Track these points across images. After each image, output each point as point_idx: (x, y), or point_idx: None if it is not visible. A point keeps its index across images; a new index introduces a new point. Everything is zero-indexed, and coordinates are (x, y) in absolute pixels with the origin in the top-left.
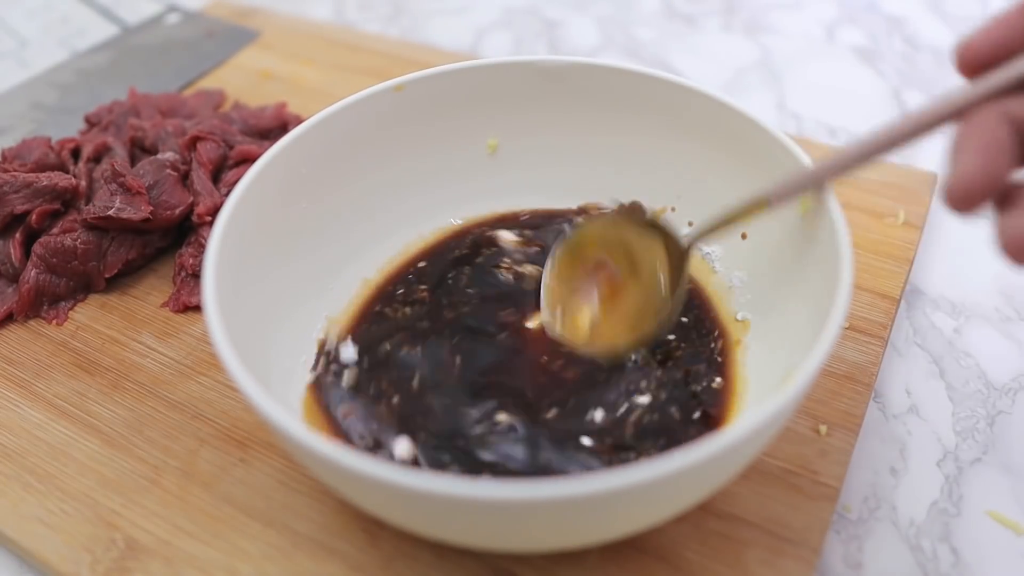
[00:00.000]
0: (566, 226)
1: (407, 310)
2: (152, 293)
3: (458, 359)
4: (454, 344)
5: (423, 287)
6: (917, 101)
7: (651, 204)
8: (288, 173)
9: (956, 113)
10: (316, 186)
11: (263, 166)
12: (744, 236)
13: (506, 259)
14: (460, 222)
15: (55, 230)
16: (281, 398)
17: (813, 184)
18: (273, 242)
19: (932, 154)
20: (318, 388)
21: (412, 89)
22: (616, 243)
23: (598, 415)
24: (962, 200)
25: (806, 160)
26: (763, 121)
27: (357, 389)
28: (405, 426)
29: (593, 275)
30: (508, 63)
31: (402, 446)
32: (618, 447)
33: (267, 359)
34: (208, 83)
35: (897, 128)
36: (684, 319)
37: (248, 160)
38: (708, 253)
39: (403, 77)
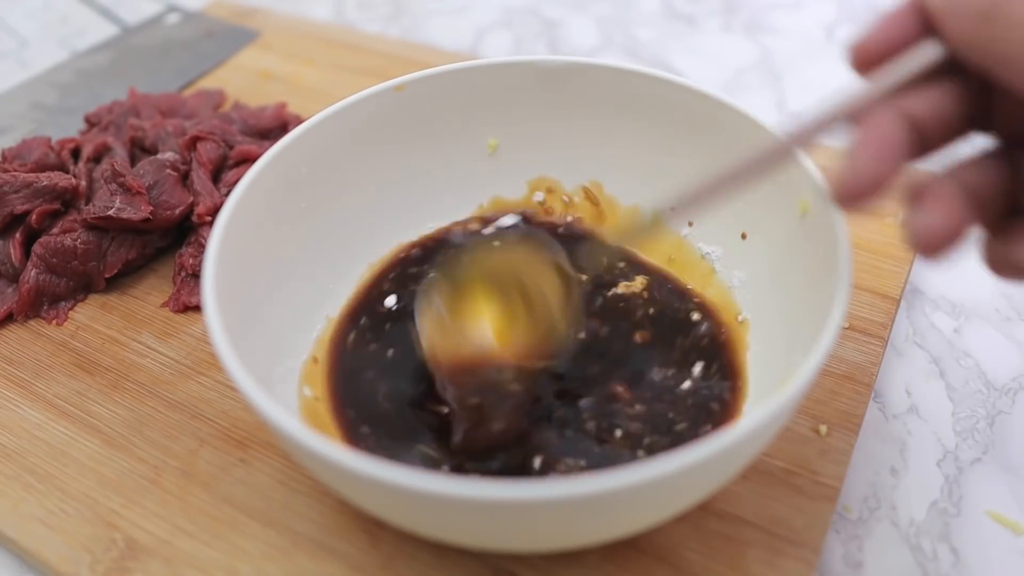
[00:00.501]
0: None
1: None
2: (152, 293)
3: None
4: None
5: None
6: None
7: (652, 204)
8: (289, 173)
9: (852, 114)
10: (316, 186)
11: (264, 165)
12: (744, 236)
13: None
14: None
15: (55, 230)
16: (281, 398)
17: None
18: (273, 242)
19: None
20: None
21: (413, 89)
22: (501, 271)
23: (600, 411)
24: (847, 199)
25: (809, 163)
26: (766, 123)
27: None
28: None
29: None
30: (509, 63)
31: None
32: (620, 446)
33: (267, 359)
34: (208, 83)
35: (790, 133)
36: (685, 319)
37: (248, 160)
38: (708, 253)
39: (404, 77)
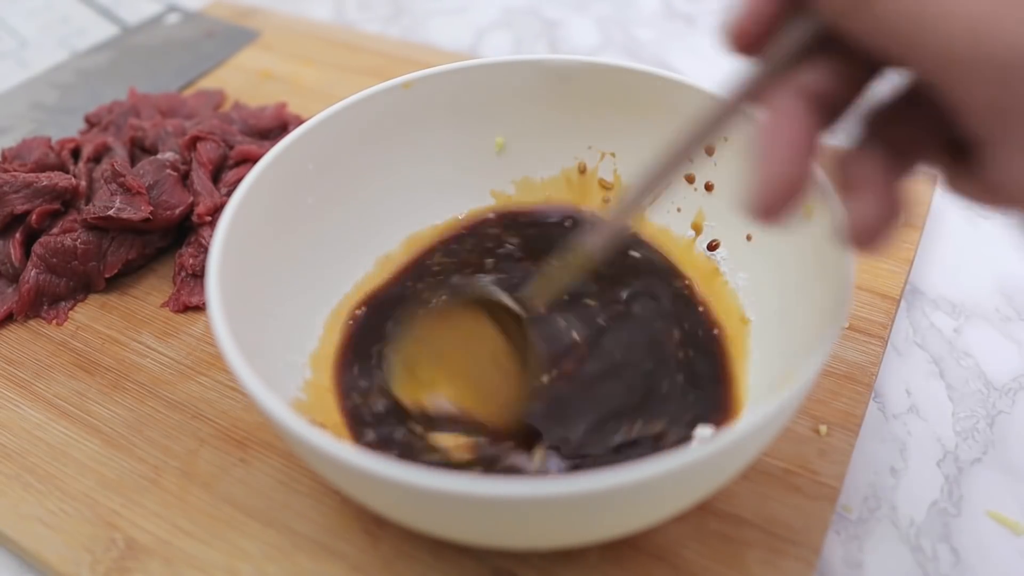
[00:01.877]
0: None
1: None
2: (152, 293)
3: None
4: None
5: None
6: None
7: (656, 205)
8: (296, 168)
9: (751, 96)
10: (323, 182)
11: (272, 159)
12: (749, 238)
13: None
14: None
15: (55, 230)
16: (284, 395)
17: (616, 230)
18: (278, 236)
19: None
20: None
21: (420, 87)
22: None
23: (602, 409)
24: (769, 210)
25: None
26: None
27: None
28: None
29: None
30: (516, 62)
31: None
32: (620, 444)
33: (270, 354)
34: (208, 83)
35: (694, 128)
36: (688, 319)
37: (248, 160)
38: (712, 255)
39: (411, 75)
